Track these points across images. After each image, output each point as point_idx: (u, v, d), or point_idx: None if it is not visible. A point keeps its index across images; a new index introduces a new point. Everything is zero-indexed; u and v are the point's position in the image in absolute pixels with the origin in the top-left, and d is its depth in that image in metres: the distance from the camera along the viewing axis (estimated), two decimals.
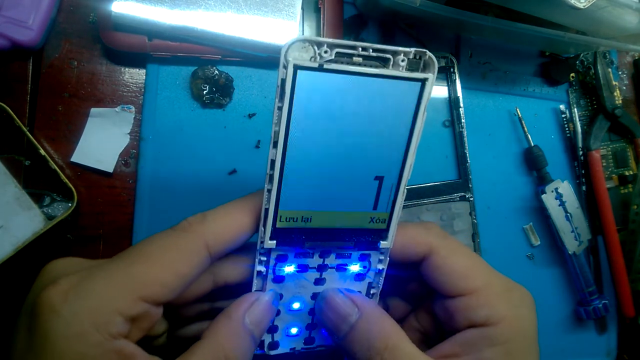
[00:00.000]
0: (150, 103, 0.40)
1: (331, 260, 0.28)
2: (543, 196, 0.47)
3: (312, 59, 0.23)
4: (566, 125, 0.51)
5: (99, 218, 0.40)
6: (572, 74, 0.51)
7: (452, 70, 0.46)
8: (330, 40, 0.23)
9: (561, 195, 0.47)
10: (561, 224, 0.47)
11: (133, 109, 0.40)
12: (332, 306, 0.27)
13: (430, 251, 0.28)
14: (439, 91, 0.47)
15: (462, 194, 0.45)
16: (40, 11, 0.37)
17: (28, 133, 0.37)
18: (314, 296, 0.29)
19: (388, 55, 0.24)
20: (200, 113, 0.41)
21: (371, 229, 0.27)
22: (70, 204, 0.37)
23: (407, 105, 0.25)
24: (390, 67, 0.24)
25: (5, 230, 0.36)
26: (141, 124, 0.40)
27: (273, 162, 0.24)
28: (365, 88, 0.24)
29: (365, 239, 0.27)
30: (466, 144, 0.46)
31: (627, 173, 0.51)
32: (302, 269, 0.28)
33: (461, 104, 0.46)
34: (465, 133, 0.46)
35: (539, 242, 0.49)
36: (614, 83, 0.50)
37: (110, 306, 0.22)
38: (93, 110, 0.39)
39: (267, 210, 0.25)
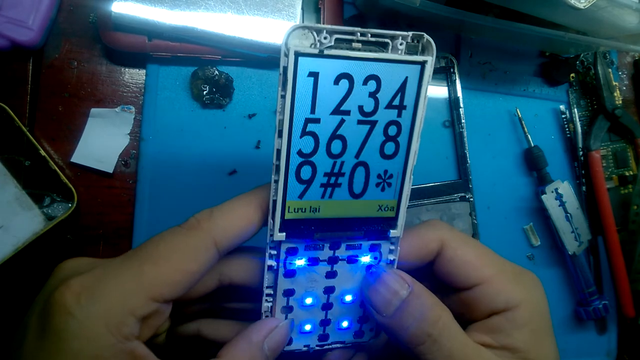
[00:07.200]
0: (150, 103, 0.40)
1: (342, 251, 0.28)
2: (543, 196, 0.47)
3: (312, 46, 0.23)
4: (566, 126, 0.51)
5: (99, 218, 0.40)
6: (572, 74, 0.51)
7: (452, 70, 0.46)
8: (329, 26, 0.23)
9: (561, 196, 0.47)
10: (561, 224, 0.47)
11: (133, 109, 0.40)
12: (384, 281, 0.27)
13: (443, 245, 0.28)
14: (439, 91, 0.47)
15: (462, 194, 0.45)
16: (40, 11, 0.37)
17: (28, 133, 0.37)
18: (326, 290, 0.29)
19: (386, 40, 0.24)
20: (200, 113, 0.41)
21: (380, 217, 0.27)
22: (70, 204, 0.37)
23: (408, 89, 0.25)
24: (390, 51, 0.24)
25: (5, 230, 0.36)
26: (141, 125, 0.40)
27: (279, 151, 0.24)
28: (365, 73, 0.24)
29: (374, 227, 0.27)
30: (466, 145, 0.46)
31: (627, 173, 0.51)
32: (313, 262, 0.27)
33: (461, 104, 0.46)
34: (465, 133, 0.46)
35: (539, 243, 0.49)
36: (614, 83, 0.49)
37: (123, 308, 0.22)
38: (93, 110, 0.39)
39: (275, 202, 0.25)
